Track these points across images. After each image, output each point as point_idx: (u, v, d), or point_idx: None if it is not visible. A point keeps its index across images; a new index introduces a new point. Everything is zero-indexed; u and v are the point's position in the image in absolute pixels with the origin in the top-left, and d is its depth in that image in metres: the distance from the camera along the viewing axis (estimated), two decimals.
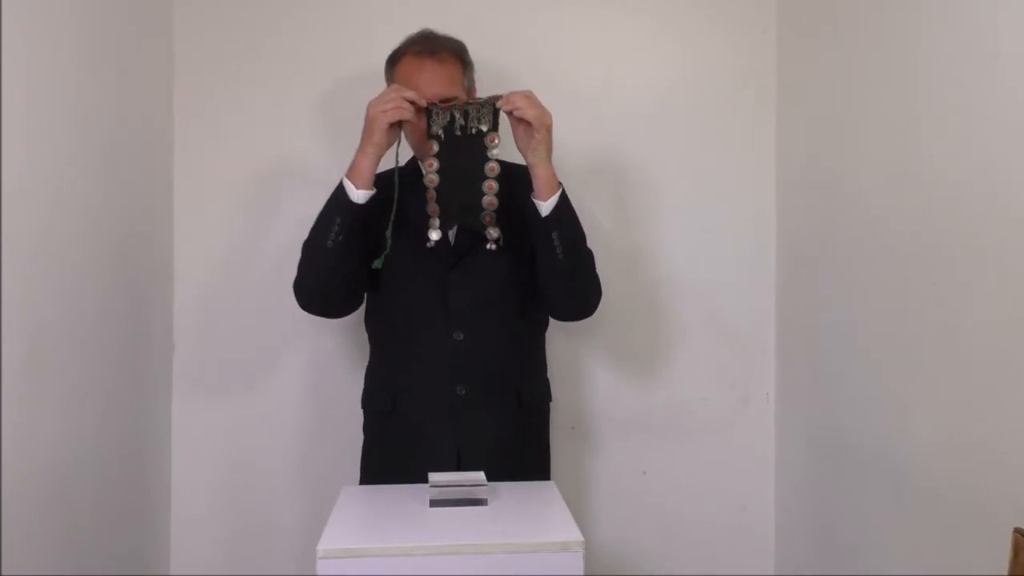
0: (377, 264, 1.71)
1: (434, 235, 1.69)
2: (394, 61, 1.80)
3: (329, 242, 1.67)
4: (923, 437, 1.62)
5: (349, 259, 1.71)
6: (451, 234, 1.78)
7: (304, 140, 2.19)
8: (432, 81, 1.74)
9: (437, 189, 1.67)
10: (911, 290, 1.65)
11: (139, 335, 2.02)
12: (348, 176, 1.69)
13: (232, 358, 2.20)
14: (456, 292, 1.77)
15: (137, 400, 2.01)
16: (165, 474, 2.18)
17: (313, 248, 1.72)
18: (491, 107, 1.67)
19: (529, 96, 1.66)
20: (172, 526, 2.19)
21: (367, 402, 1.90)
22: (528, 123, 1.65)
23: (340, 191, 1.68)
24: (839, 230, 1.94)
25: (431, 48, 1.77)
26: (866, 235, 1.82)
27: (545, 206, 1.69)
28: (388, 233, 1.70)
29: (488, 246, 1.69)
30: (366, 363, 1.93)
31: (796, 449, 2.18)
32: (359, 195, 1.67)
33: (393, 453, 1.80)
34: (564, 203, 1.71)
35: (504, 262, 1.75)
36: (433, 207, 1.68)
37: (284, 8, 2.20)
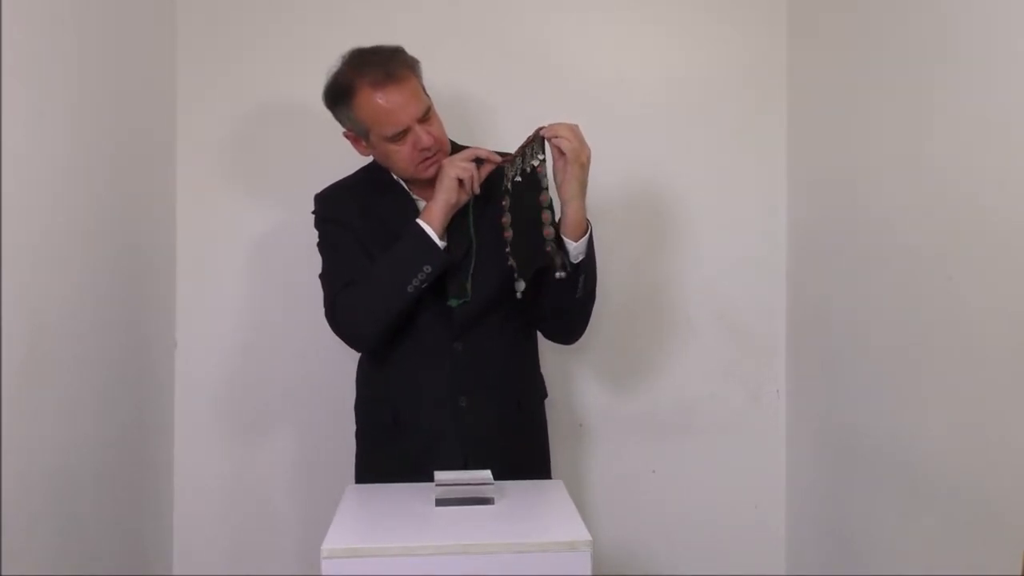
0: (453, 303, 1.72)
1: (520, 286, 1.67)
2: (348, 96, 1.69)
3: (411, 287, 1.66)
4: (936, 436, 1.60)
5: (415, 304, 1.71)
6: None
7: (309, 138, 2.17)
8: (403, 106, 1.68)
9: (513, 242, 1.66)
10: (924, 286, 1.63)
11: (141, 332, 2.01)
12: (426, 221, 1.67)
13: (234, 355, 2.19)
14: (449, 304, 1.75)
15: (139, 397, 2.00)
16: (167, 472, 2.17)
17: (391, 294, 1.68)
18: (541, 139, 1.65)
19: (572, 128, 1.64)
20: (175, 525, 2.18)
21: (364, 411, 1.87)
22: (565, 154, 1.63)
23: (423, 238, 1.66)
24: (850, 226, 1.92)
25: (386, 72, 1.67)
26: (878, 231, 1.80)
27: (576, 248, 1.68)
28: (468, 285, 1.70)
29: (556, 274, 1.67)
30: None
31: (807, 447, 2.16)
32: (442, 244, 1.67)
33: (395, 464, 1.77)
34: (591, 246, 1.71)
35: (497, 269, 1.73)
36: (512, 260, 1.67)
37: (287, 2, 2.18)
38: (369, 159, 1.84)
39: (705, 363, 2.25)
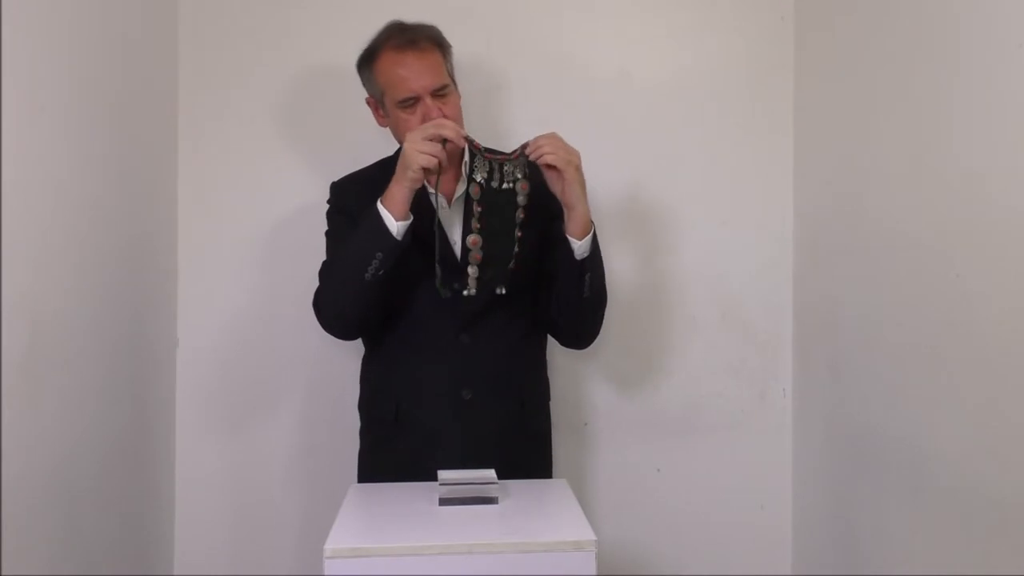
0: (444, 293, 1.66)
1: (473, 289, 1.65)
2: (371, 59, 1.75)
3: (368, 275, 1.62)
4: (945, 434, 1.58)
5: (384, 290, 1.67)
6: (457, 240, 1.75)
7: (312, 132, 2.17)
8: (418, 74, 1.70)
9: (487, 245, 1.64)
10: (932, 283, 1.61)
11: (142, 330, 1.99)
12: (384, 204, 1.62)
13: (236, 353, 2.18)
14: (464, 296, 1.73)
15: (140, 395, 1.99)
16: (169, 472, 2.15)
17: (349, 279, 1.66)
18: (525, 159, 1.62)
19: (553, 139, 1.62)
20: (176, 525, 2.17)
21: (368, 407, 1.86)
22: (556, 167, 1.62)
23: (378, 222, 1.62)
24: (858, 222, 1.91)
25: (409, 39, 1.72)
26: (886, 227, 1.79)
27: (580, 247, 1.67)
28: (439, 270, 1.64)
29: (497, 290, 1.66)
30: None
31: (814, 446, 2.15)
32: (398, 228, 1.61)
33: (397, 460, 1.76)
34: (596, 244, 1.70)
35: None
36: (477, 254, 1.64)
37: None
38: (381, 157, 1.84)
39: (711, 362, 2.23)
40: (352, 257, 1.65)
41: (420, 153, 1.58)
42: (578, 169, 1.63)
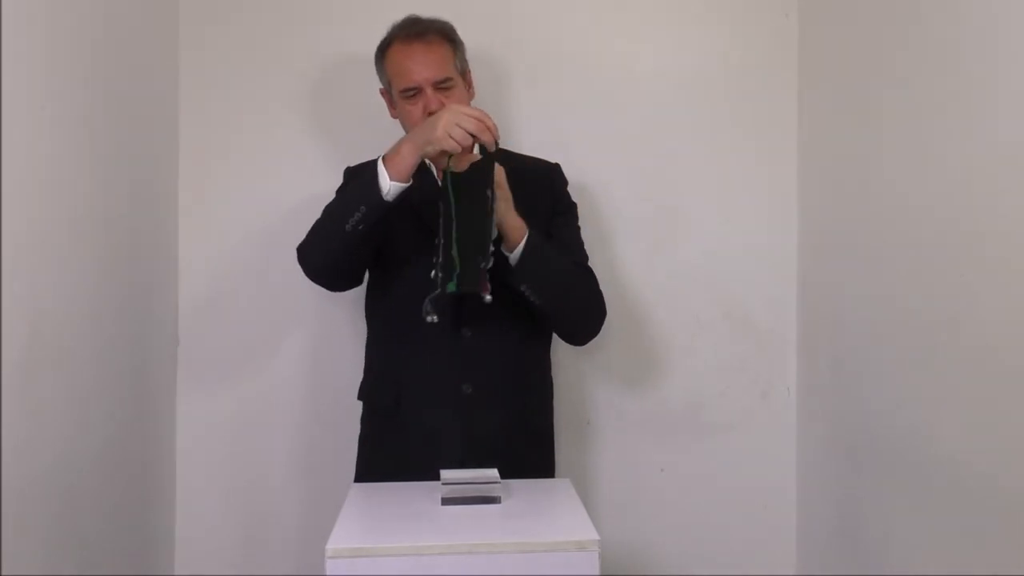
0: (451, 288, 1.57)
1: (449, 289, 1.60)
2: (383, 51, 1.78)
3: (348, 226, 1.61)
4: (950, 433, 1.57)
5: (366, 246, 1.67)
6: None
7: (311, 129, 2.16)
8: (422, 65, 1.72)
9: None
10: (937, 282, 1.61)
11: (143, 329, 1.99)
12: (386, 161, 1.61)
13: (237, 352, 2.17)
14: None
15: (141, 395, 1.98)
16: (169, 470, 2.15)
17: (331, 226, 1.66)
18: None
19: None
20: (177, 524, 2.17)
21: (367, 396, 1.86)
22: None
23: (373, 179, 1.60)
24: (863, 220, 1.90)
25: (418, 32, 1.75)
26: (891, 226, 1.78)
27: (511, 258, 1.66)
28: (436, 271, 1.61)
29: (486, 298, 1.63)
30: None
31: (818, 446, 2.14)
32: (391, 189, 1.59)
33: (395, 452, 1.76)
34: (530, 252, 1.66)
35: (500, 258, 1.70)
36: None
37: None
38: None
39: (714, 360, 2.22)
40: (338, 204, 1.67)
41: (450, 137, 1.57)
42: (500, 185, 1.63)
